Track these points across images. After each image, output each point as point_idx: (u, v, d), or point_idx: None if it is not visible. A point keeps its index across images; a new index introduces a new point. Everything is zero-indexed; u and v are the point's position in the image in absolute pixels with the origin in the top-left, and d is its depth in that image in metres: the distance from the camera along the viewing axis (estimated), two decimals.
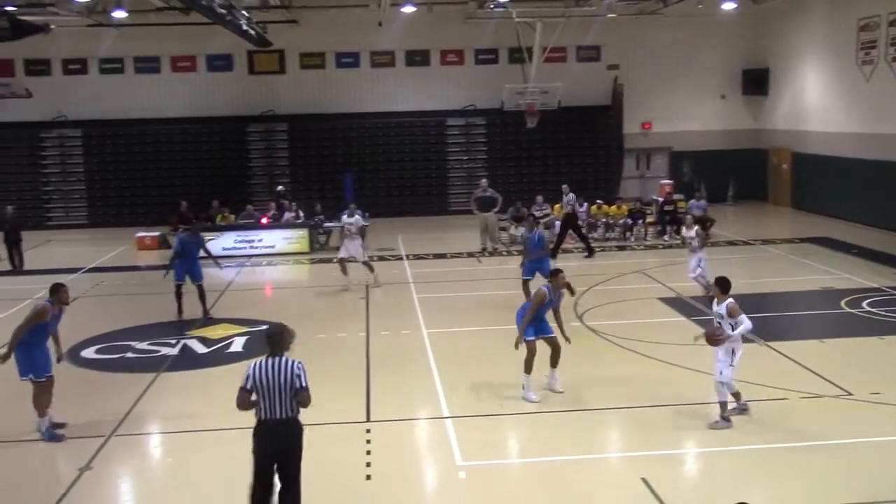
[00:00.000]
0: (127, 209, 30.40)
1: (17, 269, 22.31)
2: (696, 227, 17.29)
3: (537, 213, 25.16)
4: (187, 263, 16.68)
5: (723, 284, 10.31)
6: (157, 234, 25.61)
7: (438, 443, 10.08)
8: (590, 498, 8.66)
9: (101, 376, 13.24)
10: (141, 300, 18.47)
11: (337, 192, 28.72)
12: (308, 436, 10.25)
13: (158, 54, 30.76)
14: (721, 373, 10.16)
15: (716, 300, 10.38)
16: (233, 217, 25.42)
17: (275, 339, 7.62)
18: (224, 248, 23.84)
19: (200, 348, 14.61)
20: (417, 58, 31.58)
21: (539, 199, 25.35)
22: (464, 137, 32.23)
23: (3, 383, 11.27)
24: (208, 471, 9.42)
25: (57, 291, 10.68)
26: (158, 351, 14.48)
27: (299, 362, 7.54)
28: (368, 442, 10.00)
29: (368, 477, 9.05)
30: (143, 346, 14.79)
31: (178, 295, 16.61)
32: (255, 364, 7.53)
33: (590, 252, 22.53)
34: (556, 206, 25.38)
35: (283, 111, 31.30)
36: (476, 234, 24.00)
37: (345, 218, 19.62)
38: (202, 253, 17.24)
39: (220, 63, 31.11)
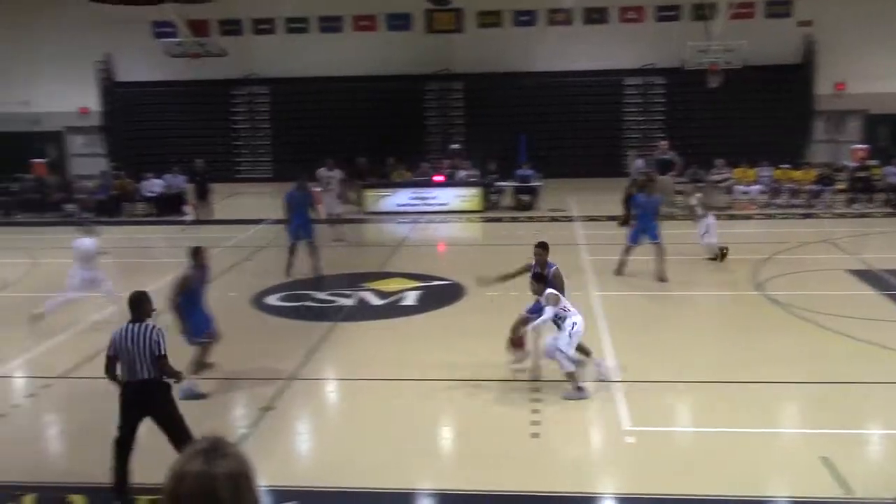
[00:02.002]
0: (309, 164, 31.51)
1: (204, 220, 23.70)
2: (699, 195, 17.49)
3: (717, 177, 24.33)
4: (296, 221, 16.67)
5: (542, 278, 10.33)
6: None
7: (606, 406, 9.97)
8: (764, 473, 8.33)
9: (283, 322, 13.93)
10: (321, 252, 19.20)
11: (510, 151, 28.69)
12: (475, 391, 10.49)
13: (341, 14, 31.61)
14: (559, 349, 9.98)
15: (535, 294, 10.38)
16: (409, 174, 25.94)
17: (135, 306, 7.80)
18: (398, 205, 24.51)
19: (375, 300, 15.08)
20: (596, 15, 30.89)
21: (719, 161, 24.42)
22: (641, 97, 31.42)
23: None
24: (380, 417, 9.76)
25: (196, 255, 10.82)
26: (335, 301, 15.07)
27: (160, 329, 7.73)
28: (535, 401, 10.03)
29: (535, 435, 9.10)
30: (322, 296, 15.43)
31: (291, 252, 16.71)
32: (117, 330, 7.72)
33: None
34: (737, 169, 24.36)
35: (458, 70, 31.52)
36: None
37: (323, 171, 21.19)
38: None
39: (398, 22, 31.62)
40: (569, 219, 23.01)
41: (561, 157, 30.68)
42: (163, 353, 7.64)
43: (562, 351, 9.99)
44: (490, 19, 31.32)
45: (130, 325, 7.73)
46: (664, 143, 24.09)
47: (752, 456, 8.63)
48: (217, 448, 2.42)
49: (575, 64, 31.05)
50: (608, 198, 25.60)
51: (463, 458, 8.98)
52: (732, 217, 22.92)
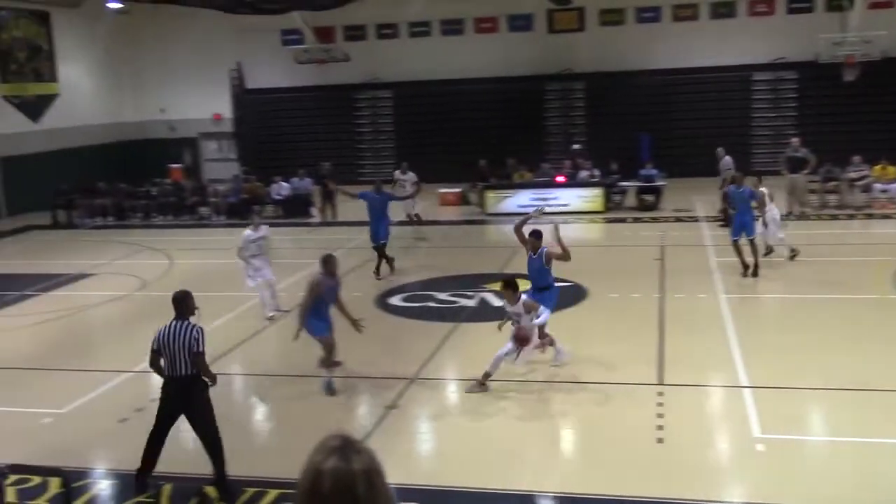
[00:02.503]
0: (430, 166, 31.75)
1: (329, 222, 24.26)
2: (762, 189, 16.83)
3: (853, 175, 23.24)
4: (372, 223, 16.95)
5: (511, 285, 10.43)
6: (458, 190, 26.71)
7: (735, 412, 9.68)
8: None
9: (407, 323, 14.13)
10: (442, 253, 19.39)
11: (633, 151, 28.17)
12: (599, 393, 10.37)
13: (463, 17, 31.79)
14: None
15: (507, 302, 10.48)
16: (530, 175, 25.84)
17: (179, 304, 8.11)
18: (519, 206, 24.40)
19: (497, 301, 15.05)
20: (723, 9, 29.99)
21: (856, 159, 23.33)
22: (771, 93, 30.27)
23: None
24: (502, 418, 9.78)
25: (326, 263, 10.84)
26: (457, 302, 15.18)
27: (199, 328, 8.05)
28: (660, 405, 9.84)
29: (660, 440, 8.92)
30: (444, 296, 15.57)
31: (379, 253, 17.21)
32: (162, 327, 8.05)
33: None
34: (877, 166, 23.22)
35: (580, 69, 31.18)
36: (781, 196, 22.52)
37: (397, 174, 21.50)
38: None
39: (520, 23, 31.55)
40: (694, 219, 22.43)
41: (686, 156, 29.81)
42: (200, 350, 7.98)
43: (503, 357, 10.48)
44: (612, 17, 30.85)
45: (174, 323, 8.11)
46: (796, 140, 23.12)
47: (889, 467, 8.21)
48: (349, 445, 2.47)
49: (700, 60, 30.16)
50: None
51: (586, 461, 8.90)
52: (870, 216, 21.88)
